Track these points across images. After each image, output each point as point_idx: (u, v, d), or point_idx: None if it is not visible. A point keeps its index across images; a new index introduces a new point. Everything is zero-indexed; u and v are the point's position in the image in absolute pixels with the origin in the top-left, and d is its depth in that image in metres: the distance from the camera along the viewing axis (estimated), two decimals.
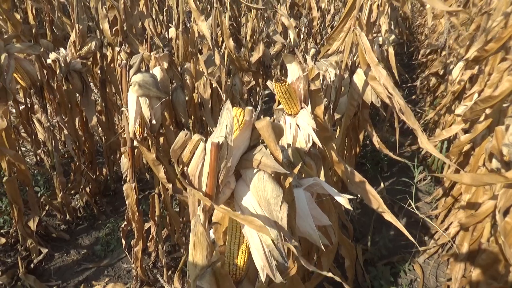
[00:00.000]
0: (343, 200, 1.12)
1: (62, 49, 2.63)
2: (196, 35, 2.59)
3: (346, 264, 1.98)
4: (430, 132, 4.60)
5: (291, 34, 4.54)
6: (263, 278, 0.80)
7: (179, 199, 2.75)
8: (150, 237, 2.54)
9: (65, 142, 3.34)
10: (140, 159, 2.58)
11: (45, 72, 2.71)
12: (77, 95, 2.89)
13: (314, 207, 1.17)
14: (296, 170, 0.95)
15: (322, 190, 1.19)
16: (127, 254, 2.63)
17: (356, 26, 1.75)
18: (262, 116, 0.83)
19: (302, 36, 4.82)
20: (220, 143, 0.72)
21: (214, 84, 2.59)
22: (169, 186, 1.90)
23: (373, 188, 1.52)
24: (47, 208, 3.15)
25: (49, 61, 2.62)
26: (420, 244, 2.98)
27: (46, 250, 2.71)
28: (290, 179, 0.87)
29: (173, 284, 2.19)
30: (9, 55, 2.18)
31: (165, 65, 2.08)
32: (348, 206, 1.11)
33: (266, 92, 5.20)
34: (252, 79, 4.13)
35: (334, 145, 1.56)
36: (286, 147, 1.38)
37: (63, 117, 2.98)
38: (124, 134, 1.88)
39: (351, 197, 1.15)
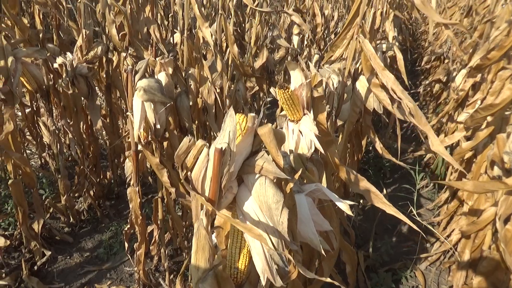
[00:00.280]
0: (344, 206, 1.13)
1: (68, 54, 2.67)
2: (201, 41, 2.62)
3: (348, 270, 1.99)
4: None
5: (295, 39, 4.57)
6: (263, 282, 0.81)
7: (182, 203, 2.77)
8: (153, 240, 2.56)
9: (70, 146, 3.37)
10: (144, 163, 2.61)
11: (51, 76, 2.74)
12: (83, 99, 2.92)
13: (316, 212, 1.18)
14: (297, 176, 0.97)
15: (323, 196, 1.20)
16: (130, 257, 2.64)
17: (359, 34, 1.77)
18: (265, 122, 0.85)
19: (306, 42, 4.84)
20: (223, 149, 0.74)
21: (217, 90, 2.61)
22: (172, 190, 1.92)
23: None
24: (51, 210, 3.18)
25: (55, 65, 2.66)
26: (422, 251, 2.98)
27: (50, 252, 2.73)
28: (291, 185, 0.89)
29: None
30: (16, 59, 2.21)
31: (170, 70, 2.11)
32: (349, 212, 1.13)
33: (270, 97, 5.22)
34: (255, 84, 4.16)
35: (335, 150, 1.57)
36: (289, 153, 1.40)
37: (68, 121, 3.02)
38: (129, 138, 1.91)
39: (352, 203, 1.16)
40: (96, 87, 3.20)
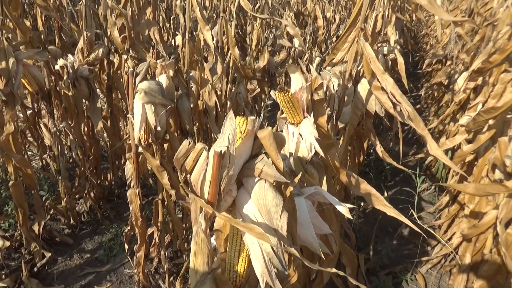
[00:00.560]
0: (344, 209, 1.13)
1: (70, 56, 2.68)
2: (202, 43, 2.62)
3: (348, 273, 1.98)
4: (435, 141, 4.59)
5: (297, 42, 4.57)
6: (262, 285, 0.81)
7: (182, 205, 2.77)
8: (153, 242, 2.56)
9: (71, 147, 3.38)
10: (145, 165, 2.61)
11: (52, 78, 2.75)
12: (84, 101, 2.93)
13: (315, 215, 1.18)
14: (297, 179, 0.96)
15: (323, 199, 1.20)
16: (130, 259, 2.64)
17: (360, 37, 1.77)
18: (266, 124, 0.85)
19: (307, 45, 4.85)
20: (223, 152, 0.74)
21: (219, 92, 2.62)
22: (173, 192, 1.92)
23: None
24: (51, 212, 3.18)
25: (57, 67, 2.66)
26: (423, 254, 2.97)
27: (50, 254, 2.73)
28: (291, 188, 0.89)
29: None
30: (18, 61, 2.22)
31: (171, 72, 2.11)
32: (348, 215, 1.13)
33: (271, 100, 5.23)
34: (257, 87, 4.16)
35: (336, 153, 1.57)
36: (289, 156, 1.40)
37: (70, 123, 3.02)
38: (129, 140, 1.91)
39: (352, 206, 1.16)
40: (97, 89, 3.20)
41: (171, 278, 2.55)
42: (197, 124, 2.81)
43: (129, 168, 2.13)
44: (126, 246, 2.35)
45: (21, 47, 2.60)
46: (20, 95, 2.23)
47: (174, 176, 1.94)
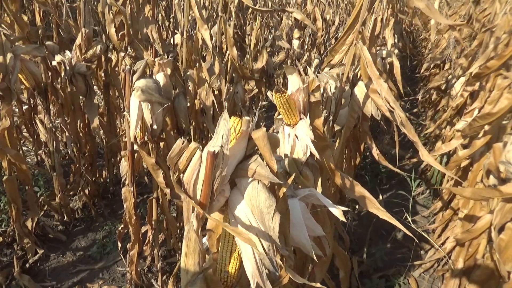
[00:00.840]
0: (338, 211, 1.13)
1: (67, 52, 2.67)
2: (200, 42, 2.62)
3: (341, 276, 1.98)
4: (431, 145, 4.61)
5: (296, 43, 4.58)
6: (253, 286, 0.81)
7: (177, 204, 2.77)
8: (147, 241, 2.55)
9: (66, 144, 3.37)
10: (140, 163, 2.60)
11: (49, 74, 2.74)
12: (81, 97, 2.91)
13: (309, 217, 1.18)
14: (290, 181, 0.96)
15: (317, 201, 1.20)
16: (123, 257, 2.63)
17: (358, 40, 1.77)
18: (263, 125, 0.85)
19: (306, 47, 4.85)
20: (216, 152, 0.74)
21: (216, 92, 2.61)
22: (168, 191, 1.91)
23: None
24: (45, 208, 3.17)
25: (54, 63, 2.65)
26: (416, 258, 2.98)
27: (42, 250, 2.72)
28: (284, 189, 0.88)
29: None
30: (15, 56, 2.21)
31: (169, 71, 2.10)
32: (342, 218, 1.12)
33: (267, 101, 5.23)
34: (254, 87, 4.16)
35: (331, 155, 1.57)
36: (284, 157, 1.39)
37: (66, 119, 3.01)
38: (125, 137, 1.90)
39: (346, 209, 1.16)
40: (95, 86, 3.19)
41: (164, 277, 2.55)
42: (193, 123, 2.80)
43: (124, 166, 2.12)
44: (120, 244, 2.34)
45: (18, 42, 2.58)
46: (16, 90, 2.22)
47: (169, 175, 1.93)
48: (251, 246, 0.77)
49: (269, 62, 3.87)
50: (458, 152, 2.54)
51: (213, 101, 2.60)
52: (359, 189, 1.50)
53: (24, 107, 3.23)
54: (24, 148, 3.99)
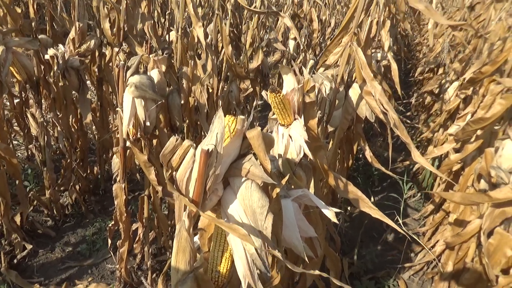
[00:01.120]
0: (330, 213, 1.13)
1: (60, 46, 2.63)
2: (196, 40, 2.61)
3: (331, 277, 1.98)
4: (423, 149, 4.64)
5: (291, 43, 4.57)
6: (244, 286, 0.80)
7: (168, 202, 2.75)
8: (137, 238, 2.53)
9: (58, 138, 3.33)
10: (132, 159, 2.58)
11: (42, 67, 2.70)
12: (73, 92, 2.88)
13: (301, 218, 1.17)
14: (284, 181, 0.96)
15: (310, 202, 1.20)
16: (112, 254, 2.61)
17: (353, 41, 1.78)
18: (257, 124, 0.84)
19: (301, 47, 4.85)
20: (210, 150, 0.73)
21: (210, 90, 2.60)
22: (159, 188, 1.90)
23: None
24: (34, 203, 3.13)
25: (47, 56, 2.62)
26: (406, 260, 2.99)
27: (31, 246, 2.69)
28: (277, 190, 0.88)
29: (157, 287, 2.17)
30: (7, 48, 2.18)
31: (163, 68, 2.09)
32: (334, 220, 1.12)
33: (263, 100, 5.22)
34: (250, 86, 4.15)
35: (325, 156, 1.57)
36: (277, 157, 1.39)
37: (58, 113, 2.98)
38: (118, 133, 1.89)
39: (338, 210, 1.15)
40: (88, 81, 3.16)
41: (154, 275, 2.53)
42: (187, 120, 2.79)
43: (116, 162, 2.10)
44: (110, 241, 2.32)
45: (11, 35, 2.55)
46: (7, 83, 2.19)
47: (161, 172, 1.92)
48: (247, 243, 0.76)
49: (265, 62, 3.87)
50: (450, 156, 2.56)
51: (207, 99, 2.59)
52: (352, 189, 1.50)
53: (16, 101, 3.19)
54: (15, 142, 3.94)
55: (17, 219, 2.68)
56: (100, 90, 3.13)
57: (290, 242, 1.10)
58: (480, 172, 1.93)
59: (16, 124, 3.49)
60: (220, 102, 3.21)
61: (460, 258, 2.27)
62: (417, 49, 8.79)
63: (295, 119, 1.45)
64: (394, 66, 2.65)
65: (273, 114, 1.55)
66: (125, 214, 2.07)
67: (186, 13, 3.19)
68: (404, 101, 6.25)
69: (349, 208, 3.40)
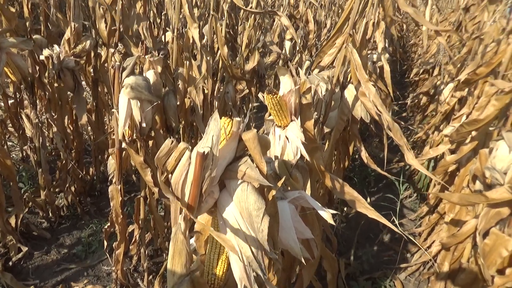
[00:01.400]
0: (327, 215, 1.13)
1: (56, 46, 2.62)
2: (191, 40, 2.60)
3: (328, 278, 1.98)
4: (419, 150, 4.66)
5: (287, 44, 4.57)
6: None
7: (164, 203, 2.74)
8: (133, 240, 2.52)
9: (53, 139, 3.31)
10: (128, 161, 2.56)
11: (37, 68, 2.69)
12: (68, 93, 2.87)
13: (298, 220, 1.17)
14: (280, 183, 0.95)
15: (306, 204, 1.20)
16: (108, 256, 2.60)
17: (349, 43, 1.78)
18: (253, 126, 0.84)
19: (297, 48, 4.86)
20: (206, 153, 0.73)
21: (206, 91, 2.59)
22: (156, 190, 1.89)
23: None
24: (30, 205, 3.10)
25: (42, 57, 2.60)
26: (402, 261, 3.00)
27: (26, 248, 2.66)
28: (273, 192, 0.88)
29: None
30: (1, 49, 2.16)
31: (159, 69, 2.08)
32: (331, 221, 1.12)
33: (259, 101, 5.22)
34: (245, 87, 4.15)
35: (321, 157, 1.57)
36: (274, 159, 1.39)
37: (53, 114, 2.96)
38: (113, 134, 1.88)
39: (335, 212, 1.16)
40: (83, 82, 3.15)
41: (150, 277, 2.52)
42: (183, 122, 2.78)
43: (112, 164, 2.09)
44: (106, 243, 2.31)
45: (5, 35, 2.53)
46: (2, 83, 2.18)
47: (157, 174, 1.91)
48: (243, 246, 0.76)
49: (261, 63, 3.87)
50: (446, 157, 2.57)
51: (203, 100, 2.59)
52: (348, 190, 1.50)
53: (10, 102, 3.17)
54: (9, 143, 3.91)
55: (12, 221, 2.66)
56: (96, 91, 3.12)
57: (286, 244, 1.10)
58: (475, 173, 1.94)
59: (10, 125, 3.47)
60: (216, 103, 3.21)
61: (456, 258, 2.28)
62: (413, 50, 8.82)
63: (291, 121, 1.45)
64: (386, 68, 2.66)
65: (270, 115, 1.55)
66: (121, 216, 2.06)
67: (181, 14, 3.19)
68: (399, 102, 6.27)
69: (345, 209, 3.40)
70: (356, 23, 1.83)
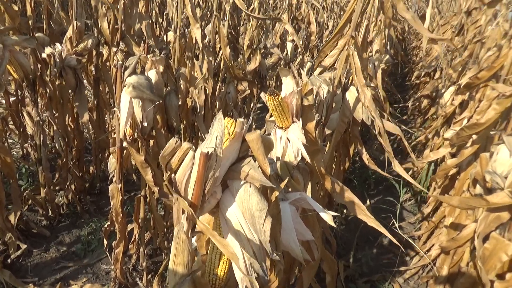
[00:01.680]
0: (327, 216, 1.13)
1: (58, 45, 2.62)
2: (194, 40, 2.60)
3: (328, 280, 1.98)
4: (419, 153, 4.66)
5: (289, 46, 4.58)
6: None
7: (164, 203, 2.74)
8: (132, 239, 2.52)
9: (54, 137, 3.30)
10: (129, 160, 2.57)
11: (39, 66, 2.69)
12: (70, 91, 2.87)
13: (299, 221, 1.17)
14: (283, 185, 0.96)
15: (307, 205, 1.20)
16: (108, 255, 2.60)
17: (350, 45, 1.78)
18: (254, 126, 0.84)
19: (299, 50, 4.86)
20: (209, 153, 0.73)
21: (208, 92, 2.60)
22: (156, 189, 1.89)
23: None
24: (29, 202, 3.10)
25: (44, 55, 2.60)
26: (402, 264, 3.00)
27: (25, 245, 2.66)
28: (276, 193, 0.88)
29: None
30: (4, 46, 2.17)
31: (161, 68, 2.08)
32: (331, 223, 1.12)
33: (260, 102, 5.22)
34: (247, 88, 4.15)
35: (322, 159, 1.57)
36: (275, 160, 1.39)
37: (54, 112, 2.96)
38: (114, 133, 1.88)
39: (335, 214, 1.16)
40: (85, 80, 3.15)
41: (149, 276, 2.52)
42: (184, 121, 2.78)
43: (113, 163, 2.10)
44: (105, 242, 2.31)
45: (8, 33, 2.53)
46: (4, 81, 2.18)
47: (158, 173, 1.91)
48: (245, 246, 0.76)
49: (262, 64, 3.87)
50: (447, 160, 2.57)
51: (204, 100, 2.59)
52: (349, 195, 1.50)
53: (11, 99, 3.17)
54: (10, 141, 3.91)
55: (11, 218, 2.66)
56: (97, 90, 3.12)
57: (287, 245, 1.10)
58: (475, 176, 1.94)
59: (11, 122, 3.47)
60: (218, 103, 3.21)
61: (455, 262, 2.27)
62: (414, 53, 8.83)
63: (293, 122, 1.45)
64: (378, 73, 2.67)
65: (271, 116, 1.55)
66: (121, 215, 2.06)
67: (184, 14, 3.19)
68: (400, 105, 6.28)
69: (345, 211, 3.40)
70: (358, 25, 1.84)
